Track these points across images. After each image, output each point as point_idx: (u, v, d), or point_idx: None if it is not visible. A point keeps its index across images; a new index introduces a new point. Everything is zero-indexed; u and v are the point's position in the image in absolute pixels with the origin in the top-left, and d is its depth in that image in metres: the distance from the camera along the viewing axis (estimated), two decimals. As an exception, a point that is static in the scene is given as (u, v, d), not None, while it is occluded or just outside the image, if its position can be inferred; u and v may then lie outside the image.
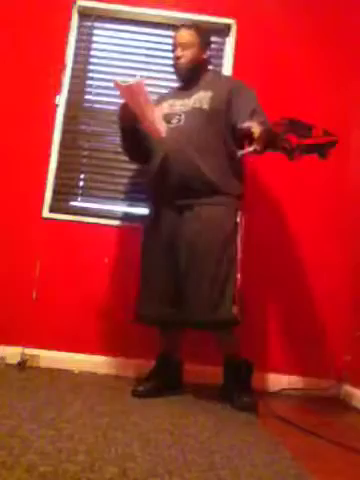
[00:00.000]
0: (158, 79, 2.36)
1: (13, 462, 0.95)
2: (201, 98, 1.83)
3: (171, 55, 1.95)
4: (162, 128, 1.71)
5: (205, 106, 1.81)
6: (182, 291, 1.73)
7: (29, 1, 2.34)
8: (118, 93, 1.84)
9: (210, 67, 2.04)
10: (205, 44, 1.93)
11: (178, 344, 1.91)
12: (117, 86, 1.66)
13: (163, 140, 1.74)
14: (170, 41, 2.36)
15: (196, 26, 1.95)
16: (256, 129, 1.50)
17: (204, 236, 1.72)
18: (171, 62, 1.96)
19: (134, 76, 2.34)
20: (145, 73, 2.35)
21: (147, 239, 1.88)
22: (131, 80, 1.65)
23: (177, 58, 1.89)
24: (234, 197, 1.81)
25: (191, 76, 1.89)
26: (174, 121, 1.81)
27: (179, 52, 1.88)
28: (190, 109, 1.82)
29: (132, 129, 1.83)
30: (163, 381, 1.80)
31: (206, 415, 1.55)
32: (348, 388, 2.07)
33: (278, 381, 2.09)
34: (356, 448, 1.33)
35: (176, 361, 1.88)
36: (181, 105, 1.85)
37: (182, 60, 1.88)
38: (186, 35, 1.89)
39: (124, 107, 1.76)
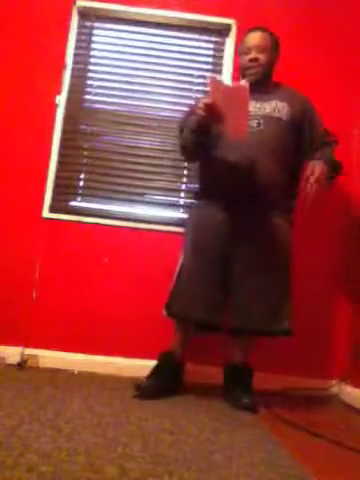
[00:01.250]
0: (158, 79, 2.36)
1: (13, 462, 0.95)
2: (279, 108, 1.83)
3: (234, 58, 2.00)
4: (247, 131, 1.66)
5: (284, 117, 1.82)
6: (239, 297, 1.75)
7: (29, 1, 2.34)
8: (207, 92, 1.70)
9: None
10: (277, 49, 1.91)
11: (187, 344, 1.89)
12: (214, 86, 1.59)
13: (242, 142, 1.71)
14: (170, 41, 2.39)
15: (268, 30, 1.90)
16: (316, 173, 1.72)
17: (274, 245, 1.77)
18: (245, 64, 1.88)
19: (132, 75, 2.36)
20: (145, 73, 2.36)
21: (200, 240, 1.81)
22: (240, 82, 1.61)
23: (253, 60, 1.84)
24: (292, 211, 1.88)
25: (264, 80, 1.87)
26: (253, 124, 1.78)
27: (255, 54, 1.84)
28: (268, 115, 1.81)
29: (208, 130, 1.75)
30: (165, 382, 1.77)
31: (206, 415, 1.55)
32: (348, 388, 2.07)
33: (278, 381, 2.09)
34: (356, 448, 1.33)
35: (180, 361, 1.86)
36: (256, 108, 1.81)
37: (258, 63, 1.84)
38: (263, 38, 1.86)
39: (212, 107, 1.62)
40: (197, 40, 2.40)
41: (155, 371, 1.82)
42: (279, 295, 1.76)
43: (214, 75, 1.60)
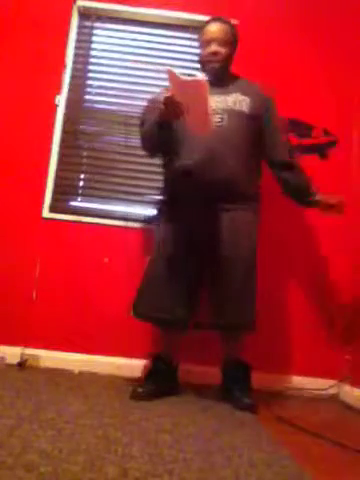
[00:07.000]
0: (158, 79, 2.36)
1: (13, 462, 0.95)
2: (240, 101, 1.80)
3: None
4: (211, 126, 1.60)
5: (246, 110, 1.80)
6: (214, 295, 1.77)
7: (29, 1, 2.34)
8: (167, 84, 1.61)
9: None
10: (236, 43, 1.88)
11: (179, 346, 1.88)
12: (172, 77, 1.52)
13: (205, 138, 1.68)
14: (170, 41, 2.39)
15: (230, 23, 1.87)
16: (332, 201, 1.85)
17: (238, 241, 1.75)
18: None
19: (133, 75, 2.36)
20: (145, 73, 2.36)
21: (167, 237, 1.80)
22: (196, 76, 1.55)
23: (213, 54, 1.80)
24: (258, 202, 1.87)
25: (223, 74, 1.84)
26: (216, 119, 1.74)
27: (215, 47, 1.80)
28: (231, 110, 1.78)
29: (170, 124, 1.69)
30: (161, 383, 1.76)
31: (206, 415, 1.55)
32: (348, 388, 2.07)
33: (278, 381, 2.09)
34: (356, 448, 1.33)
35: (175, 364, 1.85)
36: (218, 102, 1.76)
37: (219, 57, 1.81)
38: (224, 31, 1.82)
39: (172, 101, 1.56)
40: (197, 40, 2.40)
41: (149, 375, 1.80)
42: (246, 291, 1.76)
43: (171, 67, 1.53)
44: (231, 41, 1.85)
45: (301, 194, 1.88)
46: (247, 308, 1.75)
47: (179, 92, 1.54)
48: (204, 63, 1.86)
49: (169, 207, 1.86)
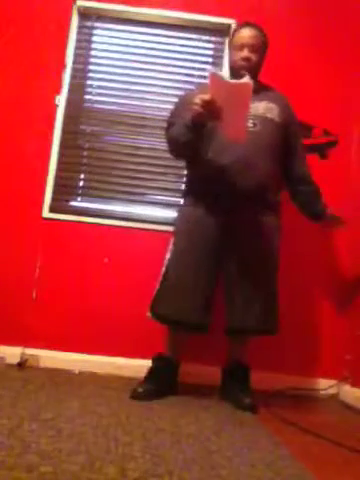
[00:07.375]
0: (158, 79, 2.36)
1: (13, 462, 0.95)
2: (271, 109, 1.82)
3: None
4: (247, 131, 1.63)
5: (276, 118, 1.82)
6: (235, 299, 1.76)
7: (29, 1, 2.34)
8: (204, 85, 1.60)
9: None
10: (266, 50, 1.88)
11: (185, 347, 1.88)
12: (214, 81, 1.51)
13: (237, 144, 1.68)
14: (170, 41, 2.39)
15: (261, 29, 1.86)
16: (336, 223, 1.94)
17: (264, 246, 1.78)
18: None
19: (132, 75, 2.36)
20: (145, 73, 2.36)
21: (191, 240, 1.77)
22: (244, 79, 1.55)
23: (246, 59, 1.80)
24: (281, 208, 1.89)
25: (253, 80, 1.77)
26: (249, 124, 1.74)
27: (247, 53, 1.80)
28: (263, 116, 1.79)
29: (203, 126, 1.66)
30: (161, 383, 1.75)
31: (206, 415, 1.55)
32: (348, 388, 2.07)
33: (278, 381, 2.09)
34: (356, 448, 1.33)
35: (175, 364, 1.85)
36: (251, 108, 1.68)
37: (250, 63, 1.80)
38: (257, 37, 1.82)
39: (211, 104, 1.54)
40: (197, 40, 2.40)
41: (150, 375, 1.79)
42: (271, 296, 1.79)
43: (214, 70, 1.53)
44: (262, 48, 1.84)
45: (311, 211, 1.93)
46: (272, 313, 1.78)
47: (219, 95, 1.53)
48: (235, 68, 1.84)
49: (194, 209, 1.81)
